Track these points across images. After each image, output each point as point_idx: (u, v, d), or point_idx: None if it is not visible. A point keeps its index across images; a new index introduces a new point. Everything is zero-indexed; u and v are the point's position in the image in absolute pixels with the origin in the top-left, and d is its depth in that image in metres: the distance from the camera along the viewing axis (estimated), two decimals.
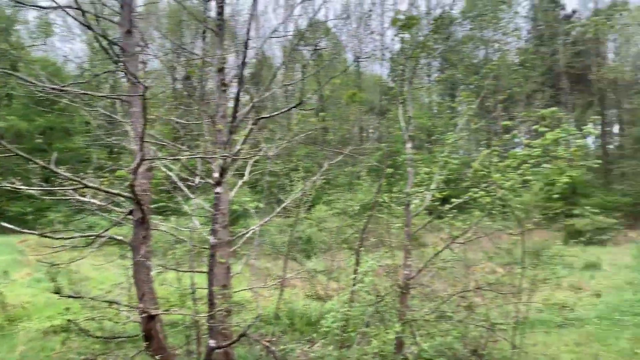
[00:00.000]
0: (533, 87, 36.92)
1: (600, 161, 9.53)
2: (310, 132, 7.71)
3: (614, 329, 9.62)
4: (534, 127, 5.85)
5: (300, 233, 17.32)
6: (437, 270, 7.80)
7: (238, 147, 5.37)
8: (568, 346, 8.56)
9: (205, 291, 5.62)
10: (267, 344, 5.82)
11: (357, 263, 6.85)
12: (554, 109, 5.55)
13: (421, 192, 7.03)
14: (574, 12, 42.99)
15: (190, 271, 6.95)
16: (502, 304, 7.49)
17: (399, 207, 7.55)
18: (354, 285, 6.20)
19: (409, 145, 7.69)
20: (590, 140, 45.94)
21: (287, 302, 10.75)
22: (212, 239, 5.22)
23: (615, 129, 46.42)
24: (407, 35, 7.00)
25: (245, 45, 5.06)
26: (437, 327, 6.92)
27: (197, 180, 6.75)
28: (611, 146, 44.73)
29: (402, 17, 6.46)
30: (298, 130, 8.74)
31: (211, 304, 5.26)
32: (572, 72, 38.19)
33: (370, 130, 39.88)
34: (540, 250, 9.63)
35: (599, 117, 40.92)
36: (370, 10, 27.93)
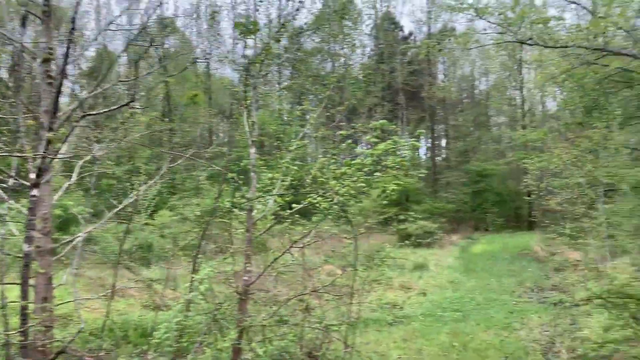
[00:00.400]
0: (374, 101, 39.56)
1: (425, 171, 10.46)
2: (148, 133, 7.31)
3: (436, 324, 10.60)
4: (367, 137, 6.24)
5: (140, 240, 16.40)
6: (278, 274, 7.91)
7: (61, 145, 4.88)
8: (396, 342, 9.22)
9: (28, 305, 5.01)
10: (91, 359, 5.36)
11: (195, 270, 6.65)
12: (383, 121, 5.97)
13: (262, 197, 7.07)
14: (410, 34, 47.08)
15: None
16: (337, 305, 7.83)
17: (241, 213, 7.51)
18: (190, 292, 6.00)
19: (252, 150, 7.70)
20: (422, 152, 50.58)
21: (121, 313, 10.08)
22: (26, 247, 4.67)
23: (443, 142, 51.80)
24: (251, 41, 7.02)
25: (70, 34, 4.63)
26: (275, 331, 7.00)
27: (10, 181, 6.01)
28: (439, 158, 49.78)
29: (245, 21, 6.45)
30: (139, 130, 8.26)
31: (24, 319, 4.70)
32: (408, 89, 41.72)
33: (220, 134, 39.38)
34: (373, 252, 10.28)
35: (425, 131, 45.10)
36: (215, 12, 27.40)
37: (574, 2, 20.32)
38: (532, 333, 9.50)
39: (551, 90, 35.84)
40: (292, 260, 7.73)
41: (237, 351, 6.34)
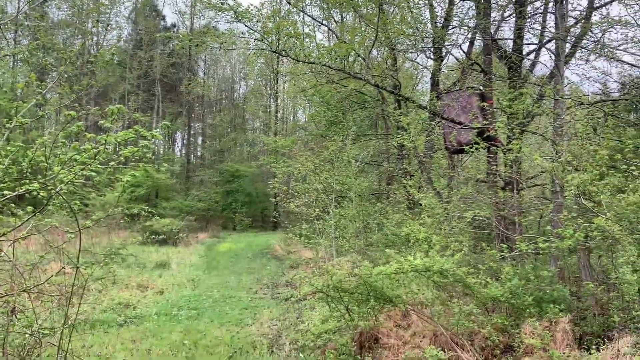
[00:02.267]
0: (128, 89, 37.29)
1: (166, 167, 10.12)
2: None
3: (170, 323, 10.29)
4: (101, 122, 5.68)
5: None
6: None
7: None
8: (124, 344, 8.63)
9: None
10: None
11: None
12: (120, 106, 5.48)
13: None
14: (173, 25, 45.84)
15: None
16: (55, 307, 6.98)
17: None
18: None
19: None
20: (177, 149, 49.74)
21: None
22: None
23: (199, 140, 51.78)
24: None
25: None
26: None
27: None
28: (194, 156, 49.60)
29: None
30: None
31: None
32: (166, 81, 40.46)
33: None
34: (108, 249, 9.53)
35: (180, 126, 44.58)
36: None
37: (324, 25, 22.44)
38: (262, 328, 9.96)
39: (302, 103, 38.95)
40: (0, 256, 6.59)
41: None
